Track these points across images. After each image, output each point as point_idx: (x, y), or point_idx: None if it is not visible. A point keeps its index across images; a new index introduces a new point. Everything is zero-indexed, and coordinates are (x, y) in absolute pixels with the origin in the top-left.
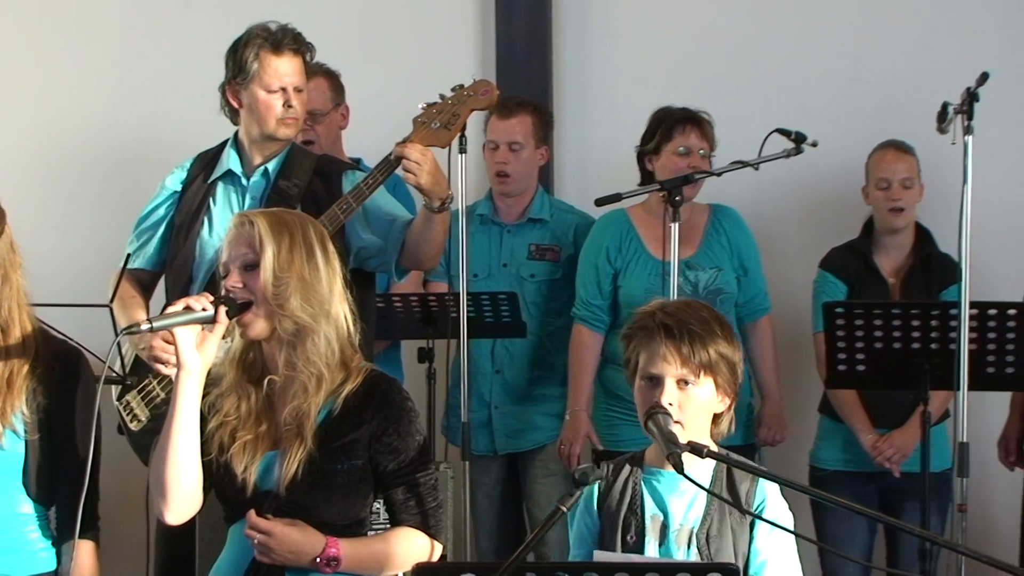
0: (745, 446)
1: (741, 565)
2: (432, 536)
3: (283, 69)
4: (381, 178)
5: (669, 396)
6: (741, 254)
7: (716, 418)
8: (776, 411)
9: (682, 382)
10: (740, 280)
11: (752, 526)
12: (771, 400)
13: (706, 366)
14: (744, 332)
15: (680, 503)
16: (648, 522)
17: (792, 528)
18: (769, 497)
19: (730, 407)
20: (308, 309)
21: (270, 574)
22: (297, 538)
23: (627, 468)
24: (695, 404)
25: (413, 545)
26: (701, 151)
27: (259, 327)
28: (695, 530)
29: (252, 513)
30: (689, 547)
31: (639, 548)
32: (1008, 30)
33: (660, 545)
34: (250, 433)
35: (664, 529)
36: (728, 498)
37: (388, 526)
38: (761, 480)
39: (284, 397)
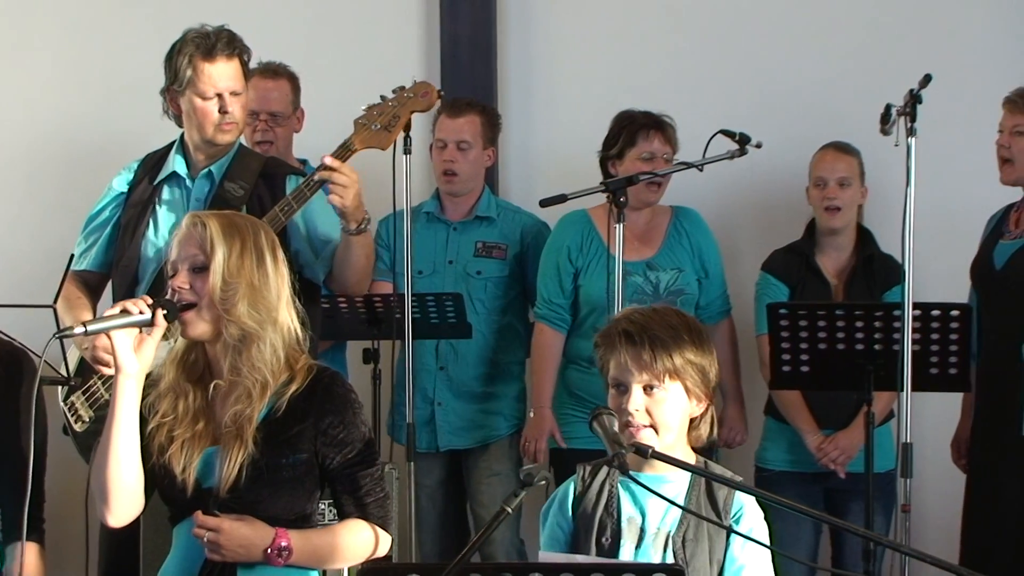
0: (704, 447)
1: (716, 571)
2: (380, 527)
3: (217, 75)
4: (319, 183)
5: (635, 403)
6: (703, 256)
7: (695, 422)
8: (737, 412)
9: (648, 388)
10: (701, 282)
11: (729, 532)
12: (732, 401)
13: (671, 372)
14: None
15: (658, 506)
16: (625, 524)
17: (766, 535)
18: (747, 505)
19: (706, 411)
20: (255, 316)
21: (223, 574)
22: (246, 532)
23: (605, 470)
24: (663, 409)
25: (361, 536)
26: (664, 156)
27: (200, 328)
28: (671, 534)
29: (199, 513)
30: (665, 551)
31: (614, 551)
32: (951, 33)
33: (636, 548)
34: (187, 431)
35: (641, 532)
36: (700, 511)
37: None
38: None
39: (226, 400)
